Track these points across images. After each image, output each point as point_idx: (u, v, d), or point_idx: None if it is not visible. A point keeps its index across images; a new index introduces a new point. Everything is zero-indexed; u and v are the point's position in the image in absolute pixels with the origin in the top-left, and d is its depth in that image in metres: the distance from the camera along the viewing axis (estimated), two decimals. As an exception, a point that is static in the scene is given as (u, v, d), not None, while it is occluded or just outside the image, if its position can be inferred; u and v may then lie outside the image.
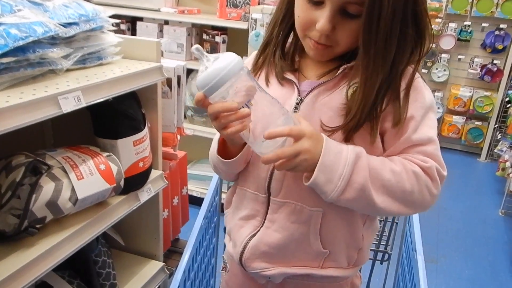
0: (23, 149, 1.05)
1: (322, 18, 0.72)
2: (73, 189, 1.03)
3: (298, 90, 0.81)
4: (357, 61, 0.76)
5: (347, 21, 0.73)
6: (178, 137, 1.45)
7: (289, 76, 0.82)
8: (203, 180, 2.66)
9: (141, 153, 1.21)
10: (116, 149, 1.16)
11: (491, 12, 3.75)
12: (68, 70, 1.10)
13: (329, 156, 0.71)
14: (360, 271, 0.99)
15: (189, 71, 2.85)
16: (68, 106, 0.96)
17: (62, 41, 1.08)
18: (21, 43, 0.92)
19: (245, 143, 0.79)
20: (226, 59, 0.68)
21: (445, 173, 0.78)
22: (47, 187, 0.99)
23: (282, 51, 0.85)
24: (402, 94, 0.77)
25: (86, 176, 1.06)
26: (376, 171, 0.73)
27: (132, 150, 1.18)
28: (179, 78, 1.38)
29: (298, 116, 0.75)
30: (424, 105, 0.78)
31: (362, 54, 0.74)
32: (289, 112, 0.73)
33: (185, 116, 2.97)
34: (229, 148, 0.83)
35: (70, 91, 0.97)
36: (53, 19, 1.04)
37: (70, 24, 1.08)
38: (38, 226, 1.00)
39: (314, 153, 0.71)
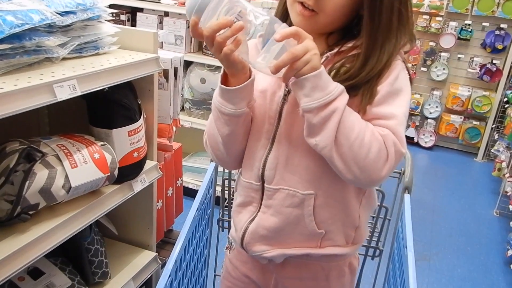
0: (18, 136, 1.06)
1: None
2: (66, 177, 1.03)
3: None
4: (346, 42, 0.79)
5: None
6: (174, 128, 1.46)
7: None
8: (199, 173, 2.66)
9: (136, 143, 1.21)
10: (111, 138, 1.17)
11: (492, 11, 3.75)
12: (64, 58, 1.10)
13: (326, 74, 0.73)
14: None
15: (188, 63, 2.85)
16: (63, 94, 0.96)
17: (59, 30, 1.09)
18: (17, 30, 0.92)
19: (249, 76, 0.78)
20: None
21: (403, 150, 0.77)
22: (40, 174, 0.99)
23: None
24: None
25: (80, 164, 1.06)
26: (350, 111, 0.74)
27: (127, 140, 1.19)
28: (176, 69, 1.38)
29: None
30: (393, 84, 0.79)
31: (366, 38, 0.76)
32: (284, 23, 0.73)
33: (183, 109, 2.98)
34: (232, 84, 0.80)
35: (66, 79, 0.98)
36: (50, 7, 1.04)
37: (67, 12, 1.08)
38: (31, 212, 1.00)
39: (318, 56, 0.71)
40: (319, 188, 0.83)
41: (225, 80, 0.80)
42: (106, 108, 1.17)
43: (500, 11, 3.72)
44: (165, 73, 1.36)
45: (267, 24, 0.71)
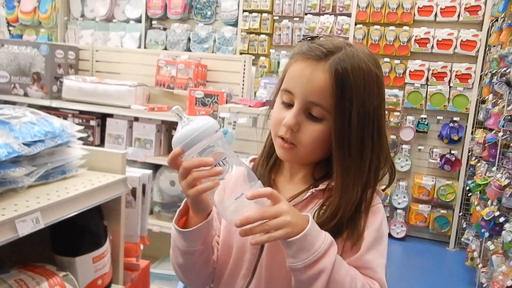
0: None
1: (289, 114, 0.82)
2: (24, 316, 0.96)
3: None
4: (331, 181, 0.83)
5: (311, 123, 0.82)
6: (141, 246, 1.42)
7: None
8: (169, 280, 2.55)
9: (101, 269, 1.17)
10: (74, 267, 1.12)
11: (444, 106, 4.03)
12: (29, 186, 1.09)
13: (313, 230, 0.74)
14: None
15: (158, 166, 2.87)
16: (25, 229, 0.93)
17: (25, 158, 1.09)
18: (-19, 166, 0.92)
19: (207, 215, 0.81)
20: (203, 120, 0.75)
21: None
22: (-5, 316, 0.92)
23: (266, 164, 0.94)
24: (362, 215, 0.83)
25: (39, 299, 1.00)
26: (340, 263, 0.76)
27: (91, 267, 1.14)
28: (144, 186, 1.38)
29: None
30: (379, 229, 0.83)
31: (337, 167, 0.81)
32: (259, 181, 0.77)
33: (151, 212, 2.93)
34: (191, 220, 0.83)
35: (29, 213, 0.95)
36: (18, 138, 1.05)
37: (35, 142, 1.08)
38: None
39: (296, 219, 0.73)
40: None
41: (182, 214, 0.83)
42: (70, 235, 1.14)
43: (451, 105, 4.01)
44: (133, 191, 1.35)
45: (244, 176, 0.75)
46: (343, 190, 0.81)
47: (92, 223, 1.18)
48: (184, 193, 0.76)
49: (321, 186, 0.85)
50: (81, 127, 1.24)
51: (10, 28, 5.37)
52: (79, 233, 1.14)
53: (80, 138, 1.25)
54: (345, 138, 0.80)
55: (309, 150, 0.84)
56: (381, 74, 0.83)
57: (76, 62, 3.21)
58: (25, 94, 3.05)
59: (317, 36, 0.86)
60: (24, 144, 1.05)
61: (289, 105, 0.84)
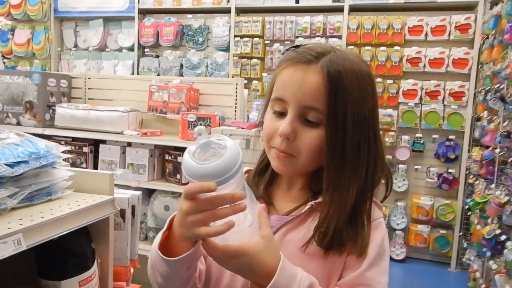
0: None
1: (284, 122, 0.78)
2: None
3: None
4: (324, 195, 0.80)
5: (307, 129, 0.78)
6: (132, 270, 1.37)
7: None
8: (164, 309, 2.46)
9: (88, 294, 1.12)
10: (59, 292, 1.07)
11: (439, 124, 4.03)
12: (12, 208, 1.05)
13: (283, 278, 0.69)
14: None
15: (151, 191, 2.83)
16: (6, 251, 0.89)
17: (9, 180, 1.05)
18: (-40, 187, 0.88)
19: (195, 243, 0.75)
20: (235, 150, 0.67)
21: None
22: None
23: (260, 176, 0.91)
24: (364, 228, 0.79)
25: (21, 327, 0.95)
26: None
27: (77, 291, 1.09)
28: (133, 208, 1.35)
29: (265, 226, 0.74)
30: (381, 245, 0.80)
31: (330, 173, 0.78)
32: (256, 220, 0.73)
33: (146, 238, 2.87)
34: (176, 244, 0.77)
35: (10, 234, 0.91)
36: (1, 159, 1.02)
37: (18, 163, 1.06)
38: None
39: (260, 263, 0.69)
40: None
41: (166, 237, 0.79)
42: (55, 257, 1.09)
43: (446, 123, 4.01)
44: (122, 212, 1.31)
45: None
46: (336, 196, 0.77)
47: (78, 246, 1.13)
48: (189, 230, 0.69)
49: (320, 199, 0.82)
50: (67, 148, 1.22)
51: (5, 60, 5.40)
52: (65, 256, 1.10)
53: (73, 164, 1.22)
54: (339, 141, 0.76)
55: (308, 159, 0.80)
56: (372, 75, 0.81)
57: (68, 90, 3.21)
58: (18, 123, 3.03)
59: (301, 45, 0.85)
60: (7, 165, 1.03)
61: (281, 114, 0.81)
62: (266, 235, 0.71)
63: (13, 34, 5.23)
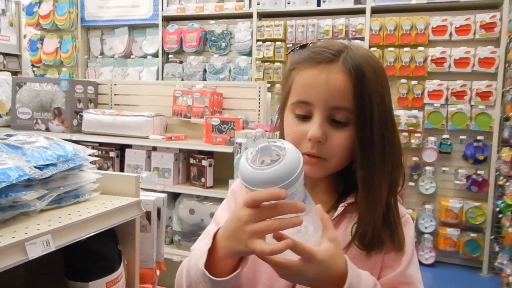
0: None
1: (313, 125, 0.76)
2: None
3: None
4: (359, 195, 0.78)
5: (337, 130, 0.77)
6: (158, 272, 1.38)
7: None
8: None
9: (115, 295, 1.13)
10: (87, 292, 1.09)
11: (466, 125, 3.93)
12: (42, 210, 1.08)
13: (354, 277, 0.67)
14: None
15: (176, 195, 2.85)
16: (35, 252, 0.91)
17: (38, 182, 1.08)
18: (-8, 189, 0.91)
19: (239, 259, 0.69)
20: (293, 150, 0.64)
21: None
22: None
23: None
24: (397, 225, 0.79)
25: (50, 327, 0.97)
26: None
27: (104, 293, 1.11)
28: (159, 210, 1.36)
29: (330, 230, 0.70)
30: (412, 242, 0.81)
31: (362, 170, 0.77)
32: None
33: (172, 242, 2.89)
34: (216, 263, 0.70)
35: (39, 235, 0.93)
36: (30, 162, 1.05)
37: (47, 165, 1.08)
38: None
39: (332, 267, 0.66)
40: None
41: (212, 255, 0.71)
42: (83, 259, 1.11)
43: (474, 124, 3.91)
44: (148, 215, 1.33)
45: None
46: (372, 194, 0.76)
47: (105, 248, 1.15)
48: (242, 242, 0.63)
49: (351, 199, 0.81)
50: (94, 151, 1.24)
51: (34, 69, 5.57)
52: (92, 257, 1.12)
53: (100, 169, 1.24)
54: (369, 138, 0.76)
55: (339, 160, 0.79)
56: (383, 66, 0.81)
57: (95, 96, 3.28)
58: (47, 129, 3.11)
59: (306, 44, 0.83)
60: (36, 167, 1.05)
61: (305, 117, 0.79)
62: (333, 238, 0.67)
63: (42, 44, 5.40)
